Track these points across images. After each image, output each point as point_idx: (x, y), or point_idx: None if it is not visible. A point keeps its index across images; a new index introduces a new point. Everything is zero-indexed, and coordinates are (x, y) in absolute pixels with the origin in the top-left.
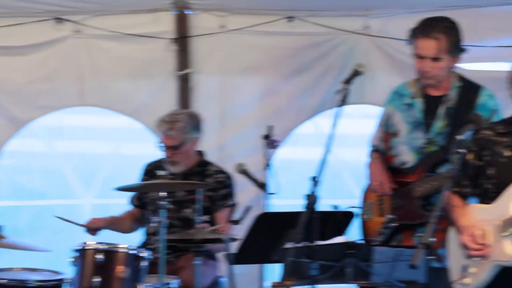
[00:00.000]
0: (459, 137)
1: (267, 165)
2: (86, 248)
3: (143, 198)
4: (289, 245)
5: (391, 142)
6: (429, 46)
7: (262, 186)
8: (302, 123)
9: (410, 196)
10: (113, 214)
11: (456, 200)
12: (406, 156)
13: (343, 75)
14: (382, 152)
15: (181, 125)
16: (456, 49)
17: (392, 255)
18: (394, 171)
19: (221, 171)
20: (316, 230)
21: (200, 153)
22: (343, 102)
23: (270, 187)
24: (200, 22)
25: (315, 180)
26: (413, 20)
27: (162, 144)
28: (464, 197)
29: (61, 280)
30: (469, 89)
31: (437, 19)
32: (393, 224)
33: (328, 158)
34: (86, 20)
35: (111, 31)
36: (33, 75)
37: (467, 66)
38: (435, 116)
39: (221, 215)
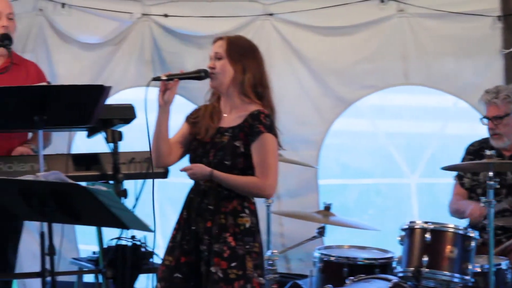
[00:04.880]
0: None
1: None
2: (414, 227)
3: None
4: None
5: None
6: None
7: None
8: None
9: None
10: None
11: None
12: None
13: None
14: None
15: (505, 94)
16: None
17: None
18: None
19: None
20: None
21: None
22: None
23: None
24: None
25: None
26: None
27: (485, 117)
28: None
29: (390, 258)
30: None
31: None
32: None
33: None
34: None
35: (435, 9)
36: (358, 55)
37: None
38: None
39: None
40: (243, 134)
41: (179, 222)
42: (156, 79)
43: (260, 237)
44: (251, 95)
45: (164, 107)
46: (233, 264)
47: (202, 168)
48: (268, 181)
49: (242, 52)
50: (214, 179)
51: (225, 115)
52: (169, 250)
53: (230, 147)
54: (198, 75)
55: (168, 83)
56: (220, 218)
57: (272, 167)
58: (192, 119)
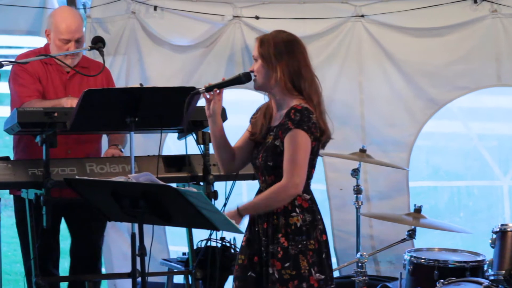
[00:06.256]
0: None
1: None
2: (506, 230)
3: None
4: None
5: None
6: None
7: None
8: None
9: None
10: None
11: None
12: None
13: None
14: None
15: None
16: None
17: None
18: None
19: None
20: None
21: None
22: None
23: None
24: None
25: None
26: None
27: None
28: None
29: (481, 261)
30: None
31: None
32: None
33: None
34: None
35: None
36: (451, 56)
37: None
38: None
39: None
40: (281, 132)
41: (250, 223)
42: (195, 93)
43: (318, 233)
44: (291, 91)
45: (212, 118)
46: (286, 265)
47: (229, 214)
48: (292, 179)
49: (273, 50)
50: (243, 213)
51: (274, 114)
52: (242, 249)
53: (272, 147)
54: (239, 80)
55: (210, 94)
56: (274, 219)
57: (298, 164)
58: (252, 119)
